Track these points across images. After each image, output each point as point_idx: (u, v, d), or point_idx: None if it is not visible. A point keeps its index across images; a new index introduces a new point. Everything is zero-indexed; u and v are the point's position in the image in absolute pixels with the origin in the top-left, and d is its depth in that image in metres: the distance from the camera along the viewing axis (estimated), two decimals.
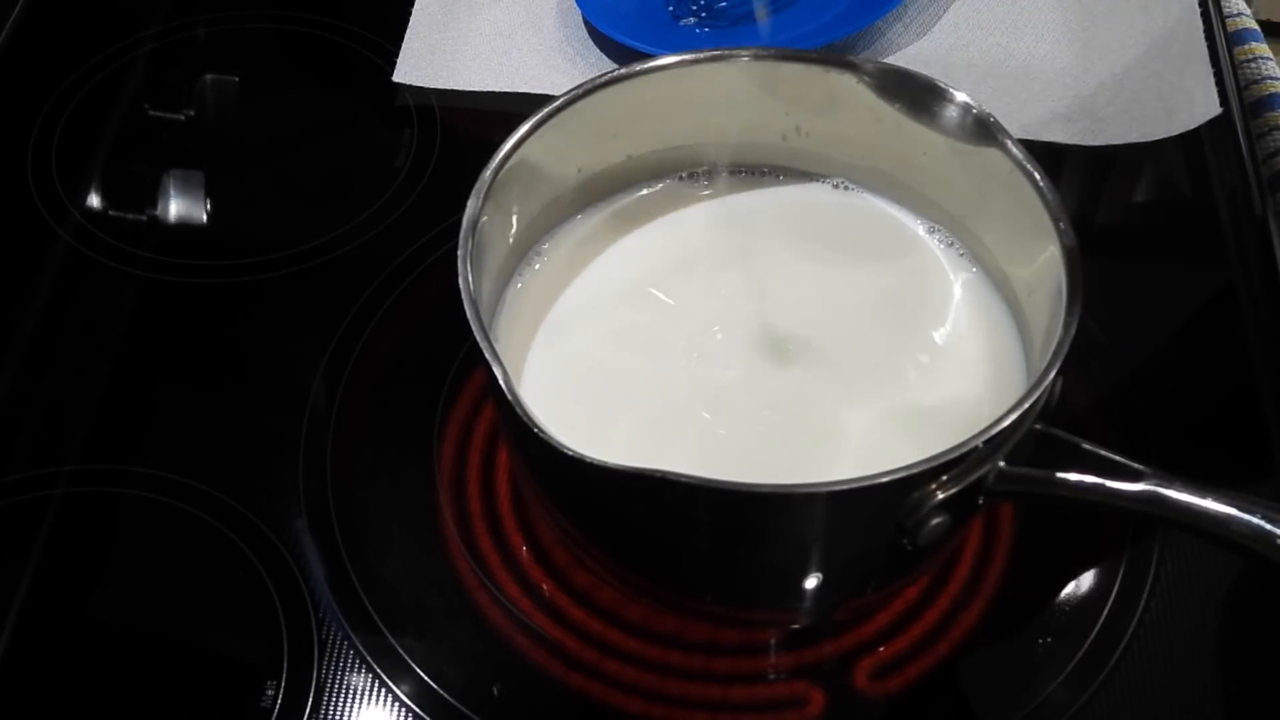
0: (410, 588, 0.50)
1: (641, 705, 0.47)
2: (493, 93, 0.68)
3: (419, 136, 0.67)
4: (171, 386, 0.58)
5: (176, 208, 0.65)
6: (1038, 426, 0.40)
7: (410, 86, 0.68)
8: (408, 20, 0.71)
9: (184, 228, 0.64)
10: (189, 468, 0.53)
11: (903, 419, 0.45)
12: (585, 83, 0.47)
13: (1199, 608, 0.50)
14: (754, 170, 0.53)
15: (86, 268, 0.61)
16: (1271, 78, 0.69)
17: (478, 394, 0.55)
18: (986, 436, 0.38)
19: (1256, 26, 0.75)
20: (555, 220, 0.51)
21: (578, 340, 0.48)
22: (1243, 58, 0.70)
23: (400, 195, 0.64)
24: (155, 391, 0.58)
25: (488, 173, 0.44)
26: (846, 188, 0.52)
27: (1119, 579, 0.50)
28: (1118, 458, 0.40)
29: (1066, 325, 0.40)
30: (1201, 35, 0.68)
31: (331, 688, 0.48)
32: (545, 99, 0.47)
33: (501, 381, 0.39)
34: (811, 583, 0.44)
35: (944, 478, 0.39)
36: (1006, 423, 0.38)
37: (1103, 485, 0.39)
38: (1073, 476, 0.40)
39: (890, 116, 0.48)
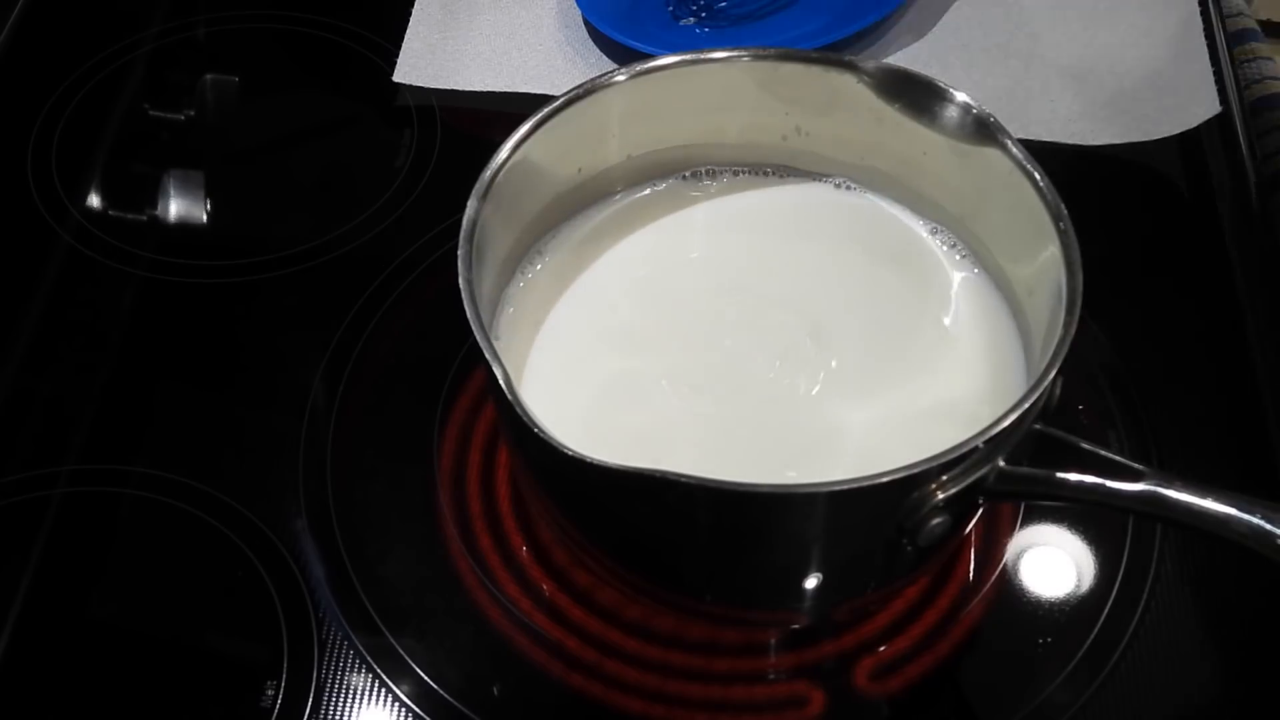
0: (410, 588, 0.51)
1: (641, 705, 0.47)
2: (493, 93, 0.68)
3: (419, 136, 0.67)
4: (171, 386, 0.58)
5: (176, 208, 0.65)
6: (1037, 426, 0.40)
7: (410, 86, 0.68)
8: (408, 20, 0.71)
9: (184, 228, 0.64)
10: (189, 468, 0.53)
11: (903, 419, 0.45)
12: (585, 83, 0.47)
13: (1199, 608, 0.50)
14: (754, 170, 0.53)
15: (86, 268, 0.61)
16: (1271, 78, 0.69)
17: (478, 394, 0.55)
18: (986, 436, 0.38)
19: (1256, 26, 0.75)
20: (555, 220, 0.51)
21: (578, 340, 0.48)
22: (1243, 58, 0.70)
23: (400, 195, 0.64)
24: (155, 391, 0.58)
25: (488, 173, 0.44)
26: (849, 188, 0.52)
27: (1119, 579, 0.50)
28: (1117, 458, 0.40)
29: (1066, 325, 0.40)
30: (1201, 35, 0.69)
31: (331, 688, 0.48)
32: (545, 99, 0.47)
33: (501, 381, 0.39)
34: (811, 583, 0.44)
35: (944, 478, 0.39)
36: (1006, 423, 0.38)
37: (1103, 485, 0.39)
38: (1073, 476, 0.40)
39: (890, 116, 0.48)
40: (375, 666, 0.48)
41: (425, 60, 0.69)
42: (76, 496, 0.53)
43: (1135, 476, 0.39)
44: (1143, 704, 0.48)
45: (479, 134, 0.67)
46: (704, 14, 0.70)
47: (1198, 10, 0.70)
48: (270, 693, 0.47)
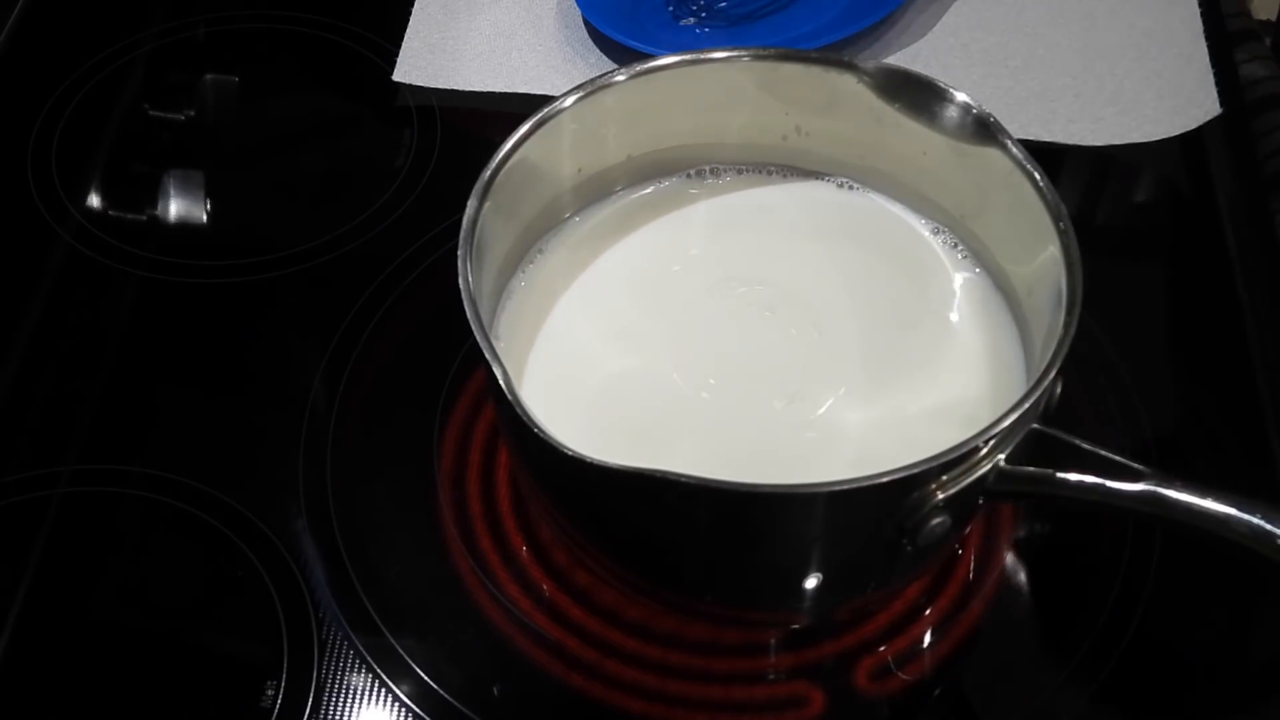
0: (410, 588, 0.51)
1: (641, 705, 0.47)
2: (492, 93, 0.68)
3: (419, 136, 0.67)
4: (171, 387, 0.58)
5: (176, 208, 0.65)
6: (1037, 426, 0.40)
7: (410, 86, 0.68)
8: (408, 20, 0.71)
9: (184, 228, 0.64)
10: (189, 468, 0.53)
11: (903, 419, 0.45)
12: (585, 83, 0.47)
13: (1199, 608, 0.50)
14: (754, 170, 0.53)
15: (86, 268, 0.61)
16: (1271, 77, 0.69)
17: (478, 394, 0.55)
18: (986, 436, 0.38)
19: (1256, 26, 0.75)
20: (555, 220, 0.51)
21: (578, 340, 0.48)
22: (1243, 58, 0.69)
23: (400, 195, 0.64)
24: (155, 392, 0.58)
25: (488, 173, 0.44)
26: (851, 187, 0.52)
27: (1119, 579, 0.50)
28: (1117, 458, 0.40)
29: (1066, 325, 0.40)
30: (1201, 35, 0.69)
31: (331, 688, 0.48)
32: (545, 99, 0.47)
33: (501, 381, 0.39)
34: (811, 583, 0.44)
35: (944, 478, 0.39)
36: (1006, 423, 0.38)
37: (1103, 485, 0.39)
38: (1073, 476, 0.40)
39: (890, 116, 0.48)
40: (375, 666, 0.48)
41: (425, 60, 0.69)
42: (76, 496, 0.53)
43: (1135, 476, 0.39)
44: (1143, 704, 0.48)
45: (479, 134, 0.67)
46: (704, 14, 0.70)
47: (1198, 10, 0.70)
48: (270, 693, 0.47)
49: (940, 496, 0.39)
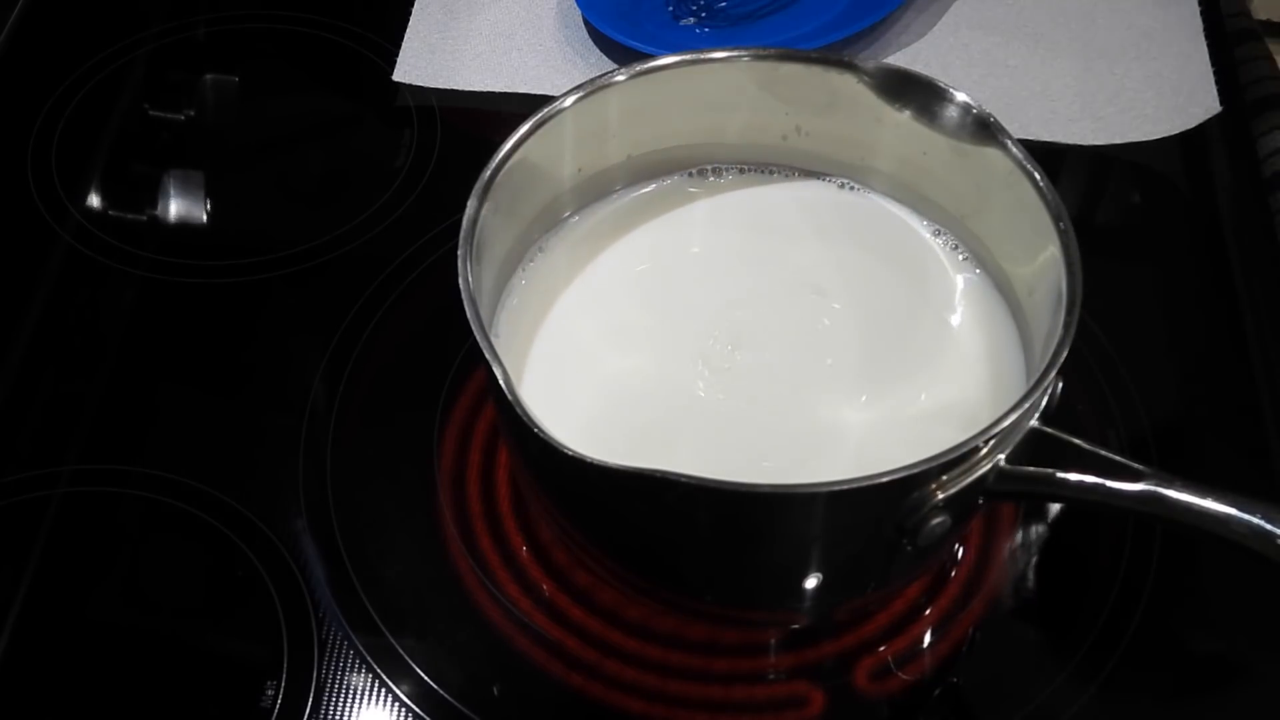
0: (410, 588, 0.51)
1: (641, 705, 0.47)
2: (492, 92, 0.68)
3: (419, 136, 0.67)
4: (171, 387, 0.58)
5: (176, 208, 0.65)
6: (1037, 426, 0.40)
7: (410, 86, 0.68)
8: (408, 20, 0.71)
9: (184, 228, 0.64)
10: (189, 468, 0.53)
11: (903, 419, 0.45)
12: (585, 83, 0.47)
13: (1199, 608, 0.50)
14: (754, 170, 0.53)
15: (86, 268, 0.61)
16: (1271, 77, 0.69)
17: (478, 394, 0.55)
18: (986, 436, 0.38)
19: (1256, 26, 0.75)
20: (555, 220, 0.51)
21: (578, 340, 0.48)
22: (1243, 58, 0.69)
23: (400, 195, 0.64)
24: (155, 392, 0.58)
25: (488, 173, 0.44)
26: (852, 188, 0.52)
27: (1119, 579, 0.50)
28: (1117, 458, 0.40)
29: (1066, 325, 0.40)
30: (1201, 35, 0.69)
31: (331, 688, 0.48)
32: (545, 99, 0.47)
33: (501, 381, 0.39)
34: (812, 583, 0.44)
35: (944, 478, 0.39)
36: (1006, 423, 0.38)
37: (1103, 485, 0.39)
38: (1073, 476, 0.40)
39: (890, 116, 0.48)
40: (375, 666, 0.48)
41: (425, 60, 0.69)
42: (76, 496, 0.53)
43: (1135, 476, 0.39)
44: (1143, 704, 0.48)
45: (479, 134, 0.67)
46: (704, 14, 0.70)
47: (1198, 10, 0.70)
48: (270, 693, 0.47)
49: (940, 496, 0.39)
